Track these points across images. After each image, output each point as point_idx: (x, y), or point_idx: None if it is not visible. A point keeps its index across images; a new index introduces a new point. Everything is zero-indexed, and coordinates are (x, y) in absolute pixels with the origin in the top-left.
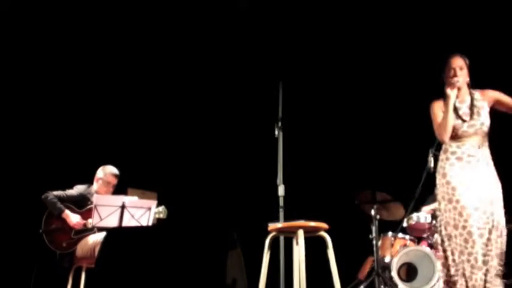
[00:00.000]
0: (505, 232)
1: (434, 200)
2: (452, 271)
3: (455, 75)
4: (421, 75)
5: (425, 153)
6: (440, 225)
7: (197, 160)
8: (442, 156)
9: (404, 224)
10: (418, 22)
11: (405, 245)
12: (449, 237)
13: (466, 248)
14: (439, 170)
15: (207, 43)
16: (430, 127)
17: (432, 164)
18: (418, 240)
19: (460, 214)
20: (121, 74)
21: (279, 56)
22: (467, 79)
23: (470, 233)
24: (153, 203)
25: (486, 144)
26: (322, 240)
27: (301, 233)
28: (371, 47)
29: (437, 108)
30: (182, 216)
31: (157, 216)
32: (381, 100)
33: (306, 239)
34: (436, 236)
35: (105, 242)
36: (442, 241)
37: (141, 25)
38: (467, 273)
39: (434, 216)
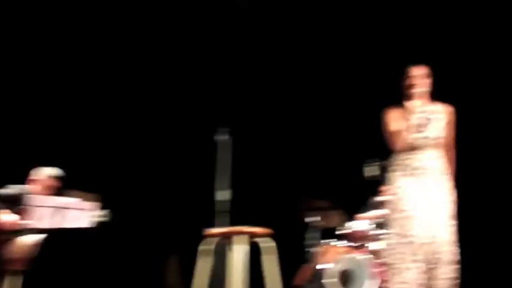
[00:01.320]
0: (450, 244)
1: (369, 207)
2: (398, 279)
3: (416, 84)
4: (362, 87)
5: (363, 162)
6: (389, 234)
7: (140, 164)
8: (392, 167)
9: (343, 232)
10: (360, 33)
11: (343, 253)
12: (395, 246)
13: (406, 257)
14: (389, 180)
15: (153, 43)
16: (369, 138)
17: (370, 173)
18: (356, 247)
19: (405, 224)
20: (55, 72)
21: (226, 61)
22: (429, 89)
23: (411, 243)
24: (94, 206)
25: (439, 156)
26: (263, 246)
27: (242, 239)
28: (315, 57)
29: (392, 116)
30: (123, 220)
31: (98, 219)
32: (325, 109)
33: (250, 245)
34: (378, 244)
35: (42, 243)
36: (389, 250)
37: None
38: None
39: (372, 224)
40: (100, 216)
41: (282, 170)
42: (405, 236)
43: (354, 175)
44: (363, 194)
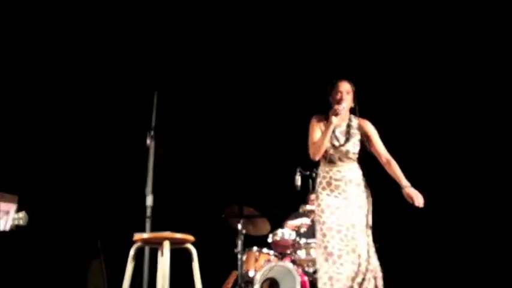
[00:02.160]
0: (365, 254)
1: (298, 216)
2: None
3: (341, 98)
4: (291, 94)
5: (293, 171)
6: (314, 244)
7: (64, 164)
8: (317, 180)
9: (269, 240)
10: (284, 42)
11: (269, 260)
12: (317, 255)
13: (324, 266)
14: (315, 193)
15: (80, 48)
16: (298, 147)
17: (299, 182)
18: (281, 255)
19: (324, 235)
20: None
21: (154, 65)
22: (352, 104)
23: (330, 254)
24: (12, 207)
25: (356, 168)
26: (188, 252)
27: (166, 244)
28: (245, 64)
29: (316, 126)
30: (43, 223)
31: (16, 222)
32: (247, 117)
33: (172, 251)
34: (303, 252)
35: None
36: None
37: None
38: None
39: (298, 233)
40: (18, 219)
41: (210, 176)
42: (323, 247)
43: (283, 183)
44: (292, 202)
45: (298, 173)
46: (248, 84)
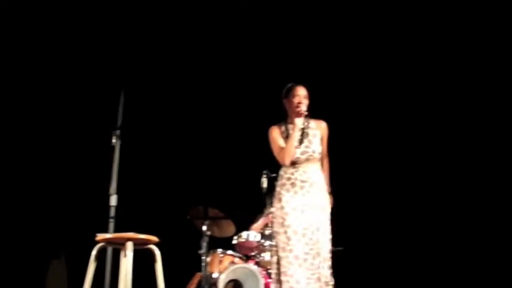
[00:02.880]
0: (329, 256)
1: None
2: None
3: (300, 102)
4: (258, 99)
5: (259, 173)
6: (276, 247)
7: (25, 163)
8: (278, 181)
9: (234, 242)
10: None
11: (233, 262)
12: (280, 258)
13: (290, 269)
14: (276, 194)
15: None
16: (264, 149)
17: (265, 185)
18: (246, 257)
19: (289, 238)
20: None
21: (121, 63)
22: (307, 108)
23: (296, 257)
24: None
25: (319, 171)
26: (151, 253)
27: (130, 245)
28: (215, 65)
29: (276, 133)
30: (3, 223)
31: None
32: (219, 119)
33: (135, 252)
34: (267, 254)
35: None
36: (277, 262)
37: None
38: None
39: (263, 235)
40: None
41: (175, 176)
42: (288, 250)
43: (249, 185)
44: (258, 205)
45: (264, 175)
46: (214, 85)
